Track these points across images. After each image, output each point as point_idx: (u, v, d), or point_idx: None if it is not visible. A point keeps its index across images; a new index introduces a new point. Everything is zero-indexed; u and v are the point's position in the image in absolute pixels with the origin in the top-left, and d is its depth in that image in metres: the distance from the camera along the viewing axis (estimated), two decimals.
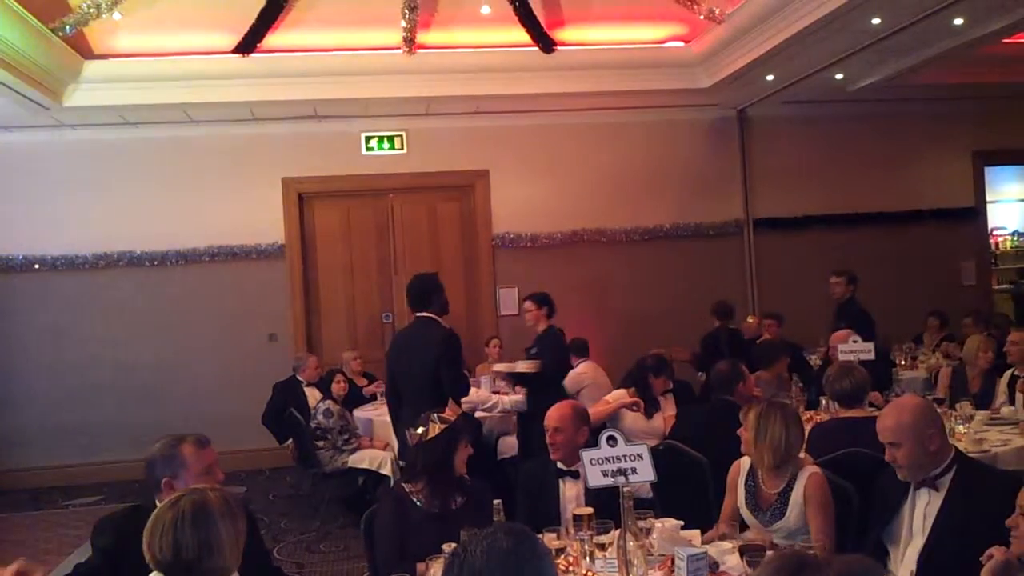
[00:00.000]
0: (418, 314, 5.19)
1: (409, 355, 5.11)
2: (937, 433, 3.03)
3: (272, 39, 7.58)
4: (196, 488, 2.44)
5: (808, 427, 4.71)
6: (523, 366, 6.13)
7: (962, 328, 7.83)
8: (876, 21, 6.74)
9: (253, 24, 7.30)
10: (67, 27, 6.83)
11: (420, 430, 3.57)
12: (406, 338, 5.32)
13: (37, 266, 8.57)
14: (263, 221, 8.89)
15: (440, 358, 4.97)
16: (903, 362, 7.63)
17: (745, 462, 3.58)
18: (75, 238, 8.60)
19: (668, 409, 5.59)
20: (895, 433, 3.04)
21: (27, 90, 7.10)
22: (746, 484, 3.53)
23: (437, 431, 3.53)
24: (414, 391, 5.04)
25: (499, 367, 6.69)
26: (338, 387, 7.07)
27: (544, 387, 5.84)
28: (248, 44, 7.53)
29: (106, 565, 2.65)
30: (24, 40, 6.57)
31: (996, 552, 2.46)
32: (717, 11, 7.32)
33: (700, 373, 7.99)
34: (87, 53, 7.55)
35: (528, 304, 6.60)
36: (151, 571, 2.35)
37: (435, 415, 3.62)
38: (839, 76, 8.43)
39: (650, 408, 5.52)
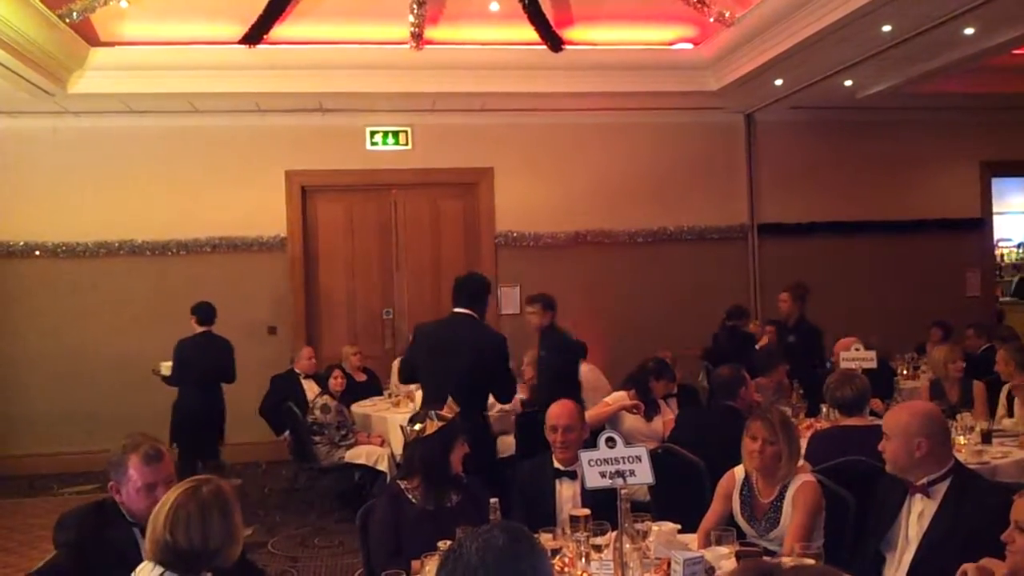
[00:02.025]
0: (459, 310, 4.91)
1: (449, 351, 4.79)
2: (927, 442, 3.03)
3: (279, 30, 7.55)
4: (208, 478, 2.47)
5: (808, 435, 4.72)
6: None
7: (964, 340, 7.78)
8: (886, 29, 6.71)
9: (261, 15, 7.28)
10: (74, 13, 6.80)
11: (417, 427, 3.55)
12: (441, 332, 4.99)
13: (38, 252, 8.57)
14: (265, 213, 8.88)
15: (497, 360, 4.83)
16: (905, 371, 7.60)
17: (740, 472, 3.53)
18: (76, 225, 8.59)
19: (668, 413, 5.57)
20: (889, 426, 3.16)
21: (32, 76, 7.08)
22: (741, 494, 3.49)
23: (434, 429, 3.51)
24: (452, 388, 4.64)
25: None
26: (336, 383, 7.05)
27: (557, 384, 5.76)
28: (255, 35, 7.50)
29: (70, 560, 2.61)
30: (31, 25, 6.55)
31: (970, 569, 2.51)
32: (727, 14, 7.28)
33: (705, 363, 7.99)
34: (93, 40, 7.53)
35: (533, 307, 6.38)
36: (116, 565, 2.37)
37: (433, 412, 3.60)
38: (848, 83, 8.40)
39: (650, 411, 5.50)
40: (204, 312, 7.15)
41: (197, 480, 2.44)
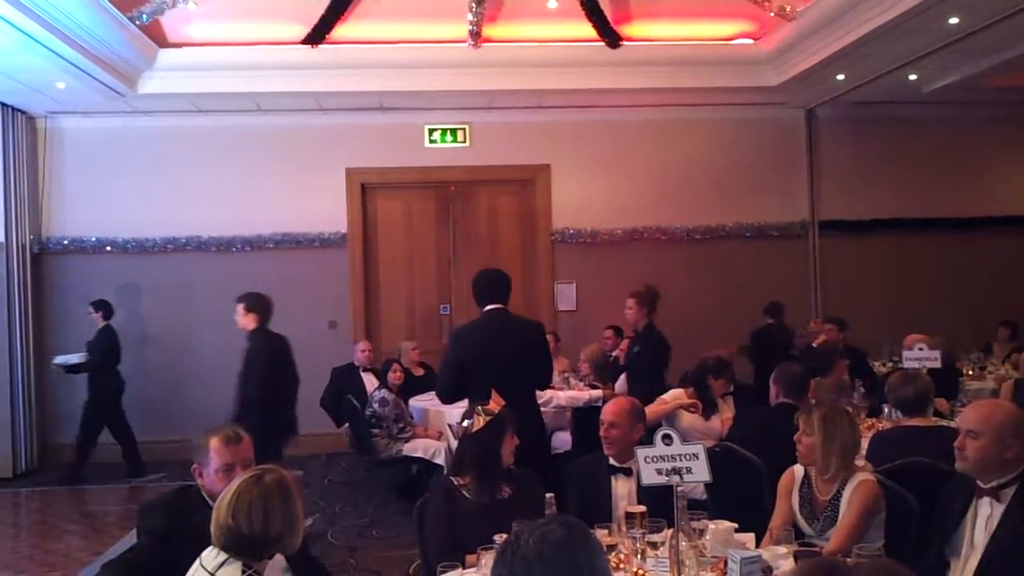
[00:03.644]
0: (492, 306, 4.88)
1: (506, 347, 4.73)
2: (1019, 444, 2.93)
3: (340, 30, 7.67)
4: (271, 467, 2.54)
5: (869, 435, 4.64)
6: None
7: None
8: (954, 21, 6.56)
9: (323, 14, 7.41)
10: (144, 15, 7.01)
11: (466, 423, 3.58)
12: (487, 331, 4.87)
13: (108, 248, 8.84)
14: (326, 210, 9.02)
15: (541, 346, 4.85)
16: (970, 372, 7.41)
17: (799, 470, 3.50)
18: (145, 222, 8.84)
19: (726, 412, 5.53)
20: (978, 423, 2.96)
21: (104, 76, 7.33)
22: (800, 491, 3.46)
23: (482, 424, 3.54)
24: (504, 384, 4.43)
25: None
26: (395, 376, 7.14)
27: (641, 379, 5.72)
28: (317, 34, 7.63)
29: (156, 546, 2.70)
30: (103, 27, 6.78)
31: None
32: (788, 8, 7.19)
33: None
34: (162, 41, 7.74)
35: (630, 301, 6.36)
36: (199, 551, 2.43)
37: (480, 407, 3.62)
38: (913, 77, 8.23)
39: (708, 409, 5.47)
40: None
41: (261, 469, 2.52)
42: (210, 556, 2.41)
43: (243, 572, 2.34)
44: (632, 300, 6.30)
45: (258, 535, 2.38)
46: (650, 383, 5.98)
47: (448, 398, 4.97)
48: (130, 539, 3.02)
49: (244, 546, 2.38)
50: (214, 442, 2.97)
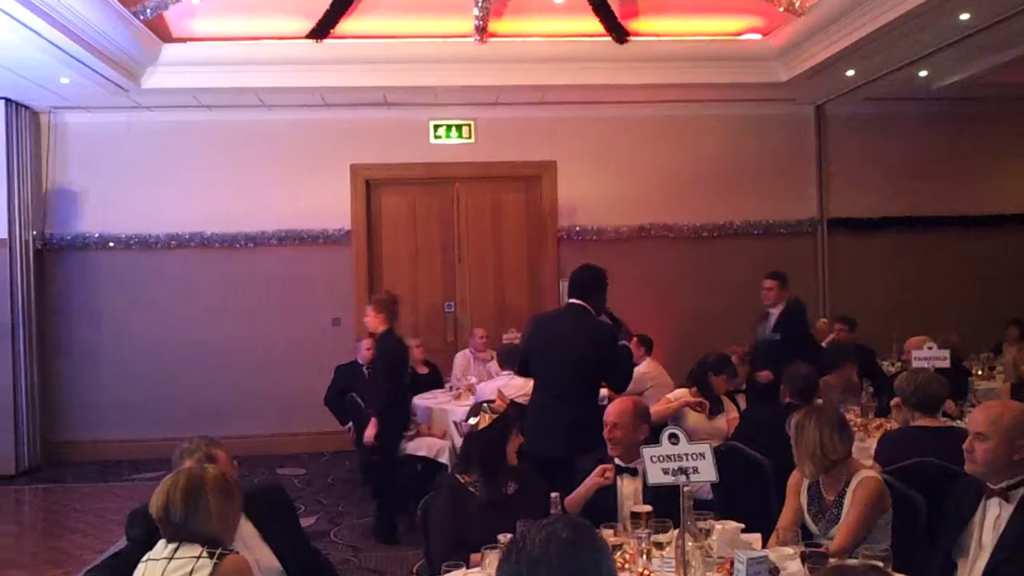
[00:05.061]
0: (572, 301, 4.95)
1: (559, 343, 4.83)
2: None
3: (344, 25, 7.63)
4: (203, 466, 2.75)
5: (877, 435, 4.59)
6: None
7: None
8: (965, 17, 6.50)
9: (328, 9, 7.36)
10: (148, 10, 6.97)
11: (472, 420, 3.57)
12: (554, 324, 5.05)
13: (112, 244, 8.81)
14: (330, 206, 8.99)
15: (606, 351, 4.79)
16: (980, 372, 7.34)
17: None
18: (148, 218, 8.80)
19: (732, 411, 5.49)
20: (987, 425, 2.93)
21: (107, 71, 7.31)
22: (809, 490, 3.43)
23: (488, 422, 3.52)
24: (561, 378, 4.79)
25: None
26: None
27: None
28: (322, 30, 7.59)
29: (138, 554, 2.72)
30: (106, 22, 6.76)
31: None
32: (798, 3, 7.12)
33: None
34: (166, 36, 7.71)
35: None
36: None
37: (486, 405, 3.63)
38: (923, 73, 8.17)
39: (713, 408, 5.42)
40: None
41: (193, 465, 2.77)
42: (159, 547, 2.56)
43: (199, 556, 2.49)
44: (371, 308, 6.21)
45: (161, 517, 2.54)
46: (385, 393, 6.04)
47: (519, 372, 5.59)
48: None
49: (161, 525, 2.56)
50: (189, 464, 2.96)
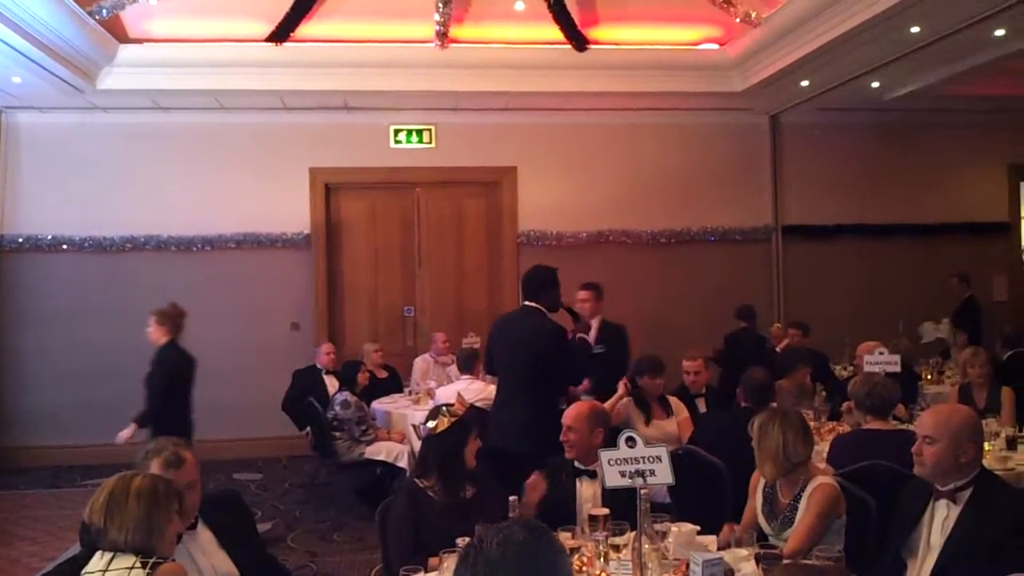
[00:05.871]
0: (525, 304, 5.09)
1: (511, 343, 5.03)
2: (973, 447, 3.00)
3: (305, 28, 7.60)
4: (135, 472, 2.63)
5: (830, 438, 4.67)
6: None
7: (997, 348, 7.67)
8: (916, 30, 6.64)
9: (287, 13, 7.33)
10: (103, 10, 6.88)
11: (430, 424, 3.57)
12: (508, 325, 5.23)
13: (65, 246, 8.66)
14: (290, 210, 8.92)
15: (552, 350, 4.87)
16: (929, 376, 7.51)
17: None
18: (103, 220, 8.67)
19: (682, 412, 5.51)
20: (935, 429, 3.02)
21: (62, 72, 7.18)
22: (764, 491, 3.49)
23: (447, 425, 3.52)
24: (513, 379, 5.02)
25: None
26: (363, 377, 7.05)
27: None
28: (282, 32, 7.55)
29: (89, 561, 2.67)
30: (61, 22, 6.64)
31: None
32: (754, 14, 7.24)
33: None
34: (122, 37, 7.61)
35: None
36: None
37: (444, 408, 3.63)
38: (875, 84, 8.33)
39: (647, 412, 5.44)
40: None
41: (125, 472, 2.61)
42: (95, 557, 2.48)
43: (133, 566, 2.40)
44: (153, 318, 6.17)
45: (86, 526, 2.50)
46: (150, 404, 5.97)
47: (488, 372, 5.78)
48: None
49: (98, 541, 2.47)
50: (155, 465, 2.88)
